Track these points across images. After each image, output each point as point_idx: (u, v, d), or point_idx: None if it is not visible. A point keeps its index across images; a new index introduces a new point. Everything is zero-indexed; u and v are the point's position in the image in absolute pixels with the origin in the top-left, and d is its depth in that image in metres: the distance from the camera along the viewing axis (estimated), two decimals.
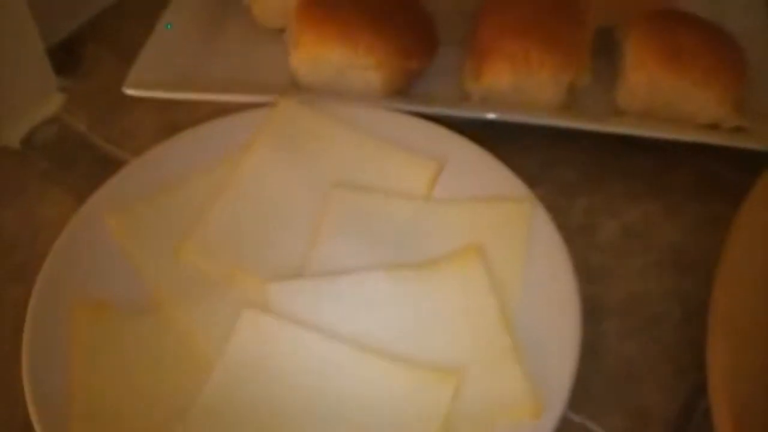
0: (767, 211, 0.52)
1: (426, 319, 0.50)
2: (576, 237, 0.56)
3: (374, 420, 0.46)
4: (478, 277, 0.51)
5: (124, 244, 0.53)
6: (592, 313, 0.52)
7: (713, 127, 0.60)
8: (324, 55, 0.61)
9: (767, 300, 0.47)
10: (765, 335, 0.46)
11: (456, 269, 0.51)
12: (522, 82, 0.59)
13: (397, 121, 0.58)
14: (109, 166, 0.59)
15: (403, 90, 0.62)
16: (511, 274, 0.51)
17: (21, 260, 0.57)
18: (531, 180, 0.56)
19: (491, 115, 0.59)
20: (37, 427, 0.44)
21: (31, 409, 0.45)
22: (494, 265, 0.51)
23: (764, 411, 0.44)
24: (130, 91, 0.62)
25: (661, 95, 0.60)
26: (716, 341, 0.47)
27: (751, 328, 0.47)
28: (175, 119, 0.64)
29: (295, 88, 0.63)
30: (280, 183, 0.56)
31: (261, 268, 0.52)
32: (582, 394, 0.49)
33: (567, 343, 0.47)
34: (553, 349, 0.47)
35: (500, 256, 0.52)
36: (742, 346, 0.46)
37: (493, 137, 0.57)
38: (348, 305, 0.50)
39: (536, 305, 0.49)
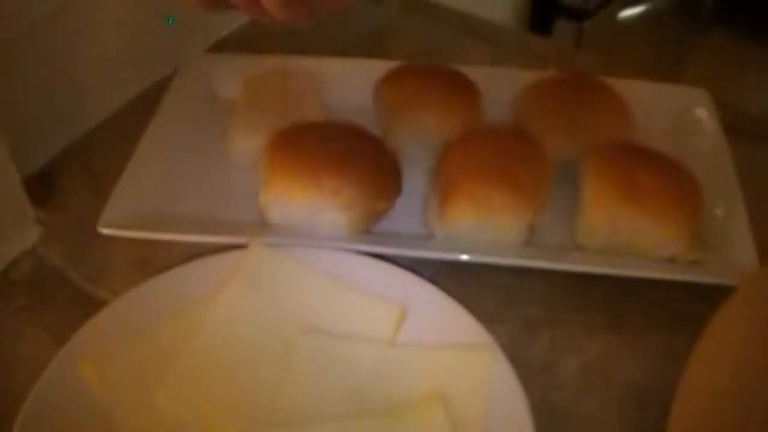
0: (722, 345, 0.54)
1: None
2: (538, 375, 0.58)
3: None
4: (440, 424, 0.52)
5: (98, 392, 0.54)
6: None
7: (671, 260, 0.62)
8: (292, 197, 0.63)
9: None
10: None
11: (419, 416, 0.53)
12: (484, 222, 0.61)
13: (362, 263, 0.60)
14: (85, 303, 0.61)
15: (368, 228, 0.64)
16: (472, 421, 0.53)
17: None
18: (493, 317, 0.57)
19: (454, 257, 0.61)
20: None
21: None
22: (456, 412, 0.53)
23: None
24: (104, 231, 0.64)
25: (619, 232, 0.62)
26: None
27: None
28: (149, 256, 0.65)
29: (265, 225, 0.64)
30: (249, 328, 0.57)
31: (230, 414, 0.54)
32: None
33: None
34: None
35: (461, 402, 0.53)
36: None
37: (456, 273, 0.59)
38: None
39: None
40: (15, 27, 0.66)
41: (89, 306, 0.59)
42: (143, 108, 0.75)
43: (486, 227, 0.61)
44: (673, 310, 0.62)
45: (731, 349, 0.54)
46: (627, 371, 0.59)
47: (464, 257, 0.61)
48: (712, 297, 0.54)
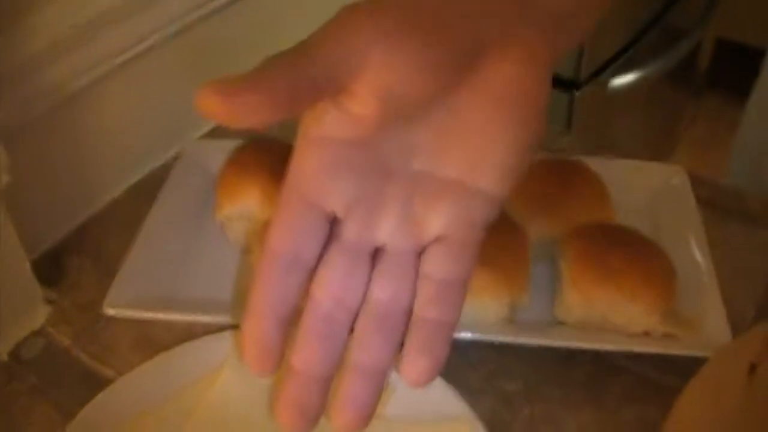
0: (690, 418, 0.57)
1: None
2: None
3: None
4: None
5: None
6: None
7: (646, 334, 0.65)
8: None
9: None
10: None
11: None
12: (465, 302, 0.64)
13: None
14: (92, 382, 0.64)
15: None
16: None
17: None
18: (475, 392, 0.61)
19: None
20: None
21: None
22: None
23: None
24: (109, 311, 0.68)
25: (596, 310, 0.65)
26: None
27: None
28: (151, 335, 0.69)
29: None
30: (244, 407, 0.61)
31: None
32: None
33: None
34: None
35: None
36: None
37: None
38: None
39: None
40: (23, 116, 0.71)
41: (96, 384, 0.63)
42: (146, 191, 0.80)
43: (467, 308, 0.64)
44: (649, 383, 0.64)
45: (697, 422, 0.57)
46: None
47: None
48: (686, 370, 0.57)
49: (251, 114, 0.38)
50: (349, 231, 0.45)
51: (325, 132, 0.43)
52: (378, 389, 0.44)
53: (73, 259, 0.77)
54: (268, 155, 0.73)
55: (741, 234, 0.77)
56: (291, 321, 0.45)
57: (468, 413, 0.59)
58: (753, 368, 0.59)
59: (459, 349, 0.64)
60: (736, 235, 0.77)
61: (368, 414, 0.44)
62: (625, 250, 0.66)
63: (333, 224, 0.45)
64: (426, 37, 0.42)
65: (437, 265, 0.45)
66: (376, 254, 0.46)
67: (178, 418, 0.60)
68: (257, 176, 0.72)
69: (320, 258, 0.45)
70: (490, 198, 0.45)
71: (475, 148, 0.44)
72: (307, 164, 0.44)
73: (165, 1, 0.82)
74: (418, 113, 0.43)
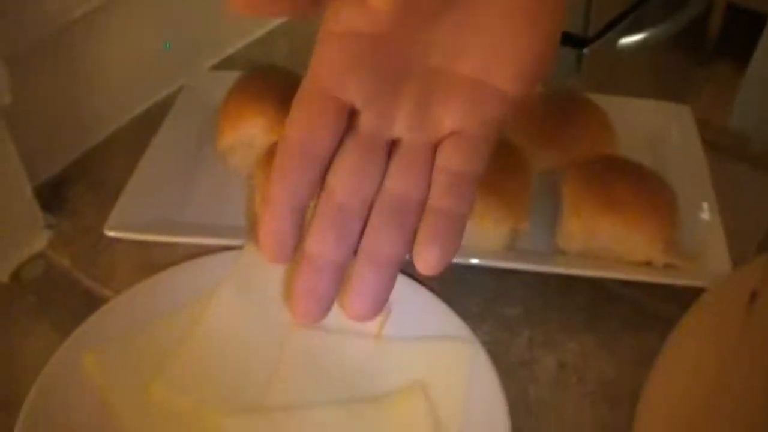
0: (688, 345, 0.57)
1: None
2: (518, 371, 0.61)
3: None
4: (420, 413, 0.55)
5: (99, 382, 0.58)
6: None
7: (647, 264, 0.65)
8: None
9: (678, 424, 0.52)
10: None
11: (400, 406, 0.56)
12: (467, 228, 0.64)
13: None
14: (91, 302, 0.64)
15: None
16: (451, 411, 0.56)
17: (8, 393, 0.61)
18: (475, 317, 0.61)
19: None
20: None
21: None
22: (436, 402, 0.56)
23: None
24: (109, 233, 0.67)
25: (596, 238, 0.65)
26: None
27: None
28: (152, 258, 0.69)
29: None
30: (244, 324, 0.61)
31: (223, 403, 0.57)
32: None
33: None
34: None
35: (442, 393, 0.56)
36: None
37: (439, 279, 0.62)
38: None
39: None
40: (26, 40, 0.70)
41: (95, 305, 0.62)
42: (149, 123, 0.80)
43: (469, 233, 0.64)
44: (647, 313, 0.64)
45: (695, 349, 0.57)
46: (600, 369, 0.62)
47: None
48: (686, 300, 0.57)
49: (276, 4, 0.39)
50: (366, 123, 0.46)
51: (346, 27, 0.45)
52: (390, 279, 0.45)
53: (75, 187, 0.77)
54: (273, 84, 0.73)
55: (745, 175, 0.77)
56: (306, 210, 0.45)
57: (467, 333, 0.59)
58: (753, 296, 0.59)
59: (459, 274, 0.65)
60: (740, 177, 0.77)
61: (380, 303, 0.45)
62: (628, 180, 0.66)
63: (350, 118, 0.46)
64: None
65: (451, 159, 0.46)
66: (392, 148, 0.46)
67: (177, 335, 0.60)
68: (261, 104, 0.72)
69: (336, 151, 0.46)
70: (504, 96, 0.46)
71: (491, 46, 0.45)
72: (327, 57, 0.46)
73: None
74: (435, 11, 0.44)
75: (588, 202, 0.65)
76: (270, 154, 0.68)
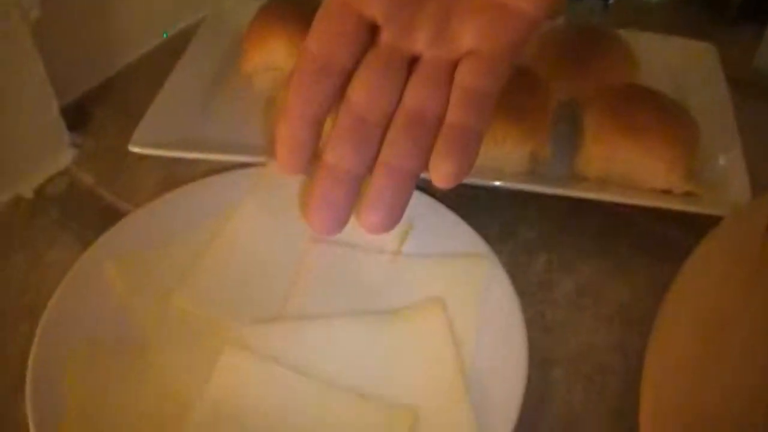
0: (704, 271, 0.58)
1: (388, 363, 0.55)
2: (535, 292, 0.62)
3: None
4: (437, 326, 0.56)
5: (119, 289, 0.59)
6: (544, 362, 0.58)
7: (666, 192, 0.65)
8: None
9: (690, 353, 0.53)
10: (686, 383, 0.51)
11: (418, 319, 0.57)
12: (488, 151, 0.64)
13: None
14: (113, 216, 0.64)
15: None
16: (467, 325, 0.56)
17: (29, 301, 0.62)
18: (494, 239, 0.61)
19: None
20: None
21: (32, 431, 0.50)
22: (453, 316, 0.57)
23: None
24: (134, 149, 0.68)
25: (616, 164, 0.65)
26: (646, 387, 0.53)
27: (675, 377, 0.52)
28: (175, 175, 0.70)
29: None
30: (265, 238, 0.61)
31: (243, 313, 0.57)
32: None
33: (513, 390, 0.52)
34: (500, 395, 0.52)
35: (459, 307, 0.57)
36: (666, 391, 0.52)
37: (460, 199, 0.62)
38: (319, 346, 0.55)
39: (488, 354, 0.55)
40: None
41: (117, 219, 0.63)
42: (174, 49, 0.80)
43: (490, 156, 0.64)
44: (665, 241, 0.65)
45: (710, 274, 0.58)
46: (615, 293, 0.63)
47: (469, 180, 0.64)
48: (703, 230, 0.57)
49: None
50: (387, 38, 0.47)
51: None
52: (406, 193, 0.46)
53: (100, 108, 0.78)
54: (297, 8, 0.74)
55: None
56: (322, 123, 0.46)
57: (486, 250, 0.59)
58: None
59: (479, 197, 0.65)
60: (763, 114, 0.77)
61: (395, 216, 0.45)
62: (650, 107, 0.66)
63: (372, 33, 0.47)
64: None
65: (469, 76, 0.47)
66: (411, 65, 0.47)
67: (199, 246, 0.61)
68: (285, 27, 0.72)
69: (357, 66, 0.46)
70: (523, 18, 0.46)
71: None
72: None
73: None
74: None
75: (609, 126, 0.65)
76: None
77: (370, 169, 0.47)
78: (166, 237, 0.62)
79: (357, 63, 0.47)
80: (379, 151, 0.47)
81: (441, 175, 0.45)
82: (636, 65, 0.73)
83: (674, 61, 0.78)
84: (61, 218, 0.69)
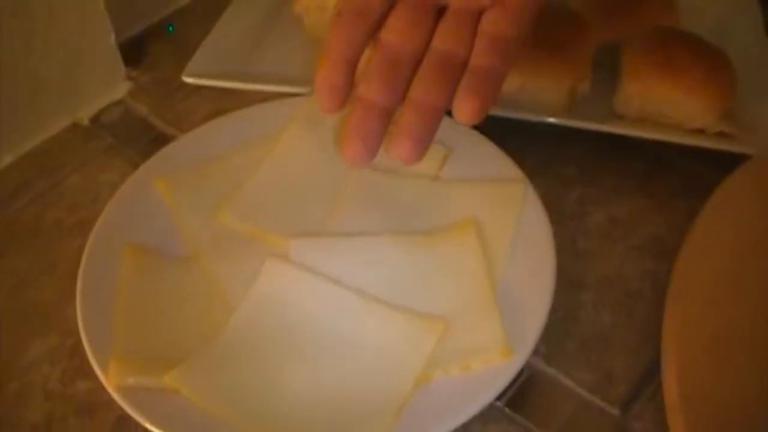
0: (730, 202, 0.59)
1: (422, 276, 0.57)
2: (568, 222, 0.64)
3: (370, 355, 0.53)
4: (471, 244, 0.58)
5: (168, 204, 0.61)
6: (574, 285, 0.60)
7: (700, 132, 0.67)
8: None
9: (713, 282, 0.54)
10: (709, 309, 0.53)
11: (453, 237, 0.59)
12: (528, 84, 0.66)
13: None
14: (165, 144, 0.67)
15: None
16: (500, 245, 0.58)
17: (81, 217, 0.65)
18: (531, 172, 0.63)
19: (500, 112, 0.66)
20: (87, 348, 0.52)
21: (83, 335, 0.53)
22: (487, 237, 0.59)
23: (704, 367, 0.51)
24: (187, 79, 0.71)
25: (653, 103, 0.66)
26: (670, 311, 0.54)
27: (698, 303, 0.54)
28: (224, 106, 0.72)
29: None
30: (308, 162, 0.64)
31: (285, 229, 0.60)
32: (558, 352, 0.56)
33: (541, 303, 0.54)
34: (529, 306, 0.54)
35: (493, 229, 0.59)
36: (689, 316, 0.53)
37: (498, 133, 0.64)
38: (356, 260, 0.58)
39: (518, 271, 0.57)
40: None
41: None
42: None
43: (529, 89, 0.66)
44: (699, 180, 0.66)
45: (737, 205, 0.59)
46: (648, 227, 0.64)
47: (509, 114, 0.66)
48: (734, 168, 0.59)
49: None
50: None
51: None
52: (433, 125, 0.48)
53: (156, 45, 0.81)
54: None
55: None
56: (356, 64, 0.48)
57: (522, 177, 0.61)
58: None
59: (517, 131, 0.67)
60: None
61: (423, 147, 0.48)
62: (688, 48, 0.67)
63: None
64: None
65: (492, 24, 0.50)
66: (441, 13, 0.49)
67: (245, 167, 0.64)
68: None
69: (389, 12, 0.50)
70: None
71: None
72: None
73: None
74: None
75: (647, 65, 0.66)
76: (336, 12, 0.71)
77: (399, 103, 0.49)
78: (214, 157, 0.65)
79: (390, 9, 0.50)
80: (407, 88, 0.49)
81: (464, 111, 0.48)
82: (676, 9, 0.74)
83: (715, 7, 0.79)
84: (115, 144, 0.72)
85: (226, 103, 0.73)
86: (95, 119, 0.74)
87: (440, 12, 0.51)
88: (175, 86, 0.73)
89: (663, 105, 0.66)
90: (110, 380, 0.50)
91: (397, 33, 0.50)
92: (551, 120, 0.66)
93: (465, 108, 0.48)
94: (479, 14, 0.51)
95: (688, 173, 0.67)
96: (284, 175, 0.64)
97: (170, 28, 0.83)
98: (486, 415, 0.52)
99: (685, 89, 0.66)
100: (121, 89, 0.76)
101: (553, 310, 0.54)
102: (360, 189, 0.62)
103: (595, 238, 0.63)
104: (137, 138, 0.72)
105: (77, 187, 0.68)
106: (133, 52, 0.79)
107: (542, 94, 0.67)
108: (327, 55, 0.49)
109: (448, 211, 0.61)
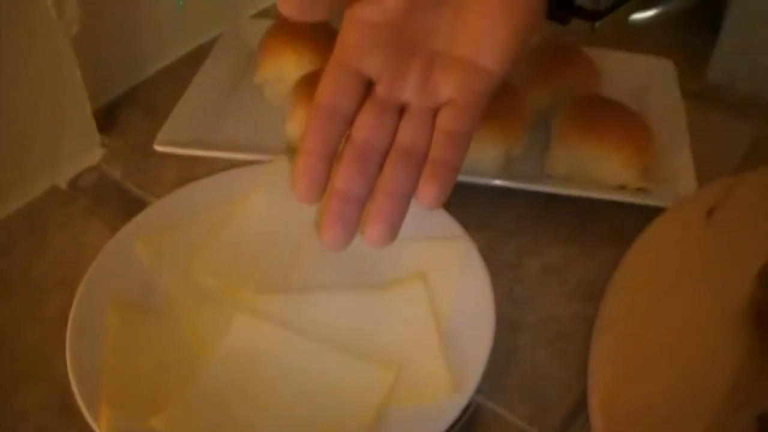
0: (651, 248, 0.67)
1: (377, 326, 0.64)
2: (506, 271, 0.71)
3: (333, 398, 0.60)
4: (420, 296, 0.65)
5: (147, 262, 0.68)
6: (512, 329, 0.67)
7: (623, 187, 0.75)
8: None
9: (633, 319, 0.62)
10: (629, 343, 0.61)
11: (404, 290, 0.66)
12: (469, 151, 0.73)
13: None
14: (138, 207, 0.74)
15: None
16: (445, 297, 0.66)
17: (65, 274, 0.71)
18: (471, 228, 0.70)
19: None
20: (78, 397, 0.58)
21: (73, 384, 0.59)
22: (433, 289, 0.66)
23: (624, 396, 0.58)
24: (158, 148, 0.78)
25: (581, 162, 0.75)
26: (595, 346, 0.62)
27: (620, 338, 0.62)
28: (193, 172, 0.79)
29: (289, 150, 0.78)
30: (270, 222, 0.71)
31: (253, 284, 0.67)
32: (499, 389, 0.63)
33: (482, 348, 0.61)
34: (471, 351, 0.61)
35: (439, 281, 0.66)
36: (611, 349, 0.61)
37: None
38: (317, 313, 0.65)
39: (461, 319, 0.64)
40: None
41: (141, 208, 0.73)
42: (194, 62, 0.91)
43: (469, 155, 0.73)
44: (623, 229, 0.72)
45: (657, 252, 0.67)
46: (579, 273, 0.72)
47: None
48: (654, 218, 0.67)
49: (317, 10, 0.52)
50: (381, 90, 0.57)
51: (365, 16, 0.56)
52: (403, 210, 0.56)
53: (127, 112, 0.88)
54: (304, 27, 0.83)
55: (718, 122, 0.87)
56: (333, 160, 0.55)
57: (462, 234, 0.68)
58: (711, 211, 0.69)
59: (458, 191, 0.73)
60: (715, 122, 0.86)
61: (396, 228, 0.55)
62: (610, 113, 0.76)
63: (368, 87, 0.57)
64: None
65: (447, 121, 0.57)
66: (402, 111, 0.57)
67: (214, 227, 0.70)
68: (294, 44, 0.82)
69: (358, 112, 0.57)
70: (491, 73, 0.57)
71: (480, 32, 0.56)
72: (349, 38, 0.57)
73: None
74: (437, 3, 0.56)
75: (574, 129, 0.75)
76: (300, 85, 0.79)
77: (371, 192, 0.56)
78: (186, 221, 0.71)
79: (358, 110, 0.57)
80: (377, 178, 0.56)
81: (426, 197, 0.55)
82: (598, 77, 0.83)
83: (634, 74, 0.88)
84: (92, 207, 0.78)
85: (194, 168, 0.79)
86: (73, 183, 0.80)
87: (402, 109, 0.58)
88: (146, 152, 0.80)
89: (589, 164, 0.74)
90: (102, 425, 0.56)
91: (365, 129, 0.56)
92: (489, 182, 0.74)
93: (427, 195, 0.55)
94: (435, 111, 0.57)
95: (614, 223, 0.75)
96: (250, 234, 0.70)
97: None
98: None
99: (608, 150, 0.74)
100: (96, 155, 0.82)
101: (494, 351, 0.61)
102: (319, 247, 0.69)
103: (531, 285, 0.71)
104: (112, 201, 0.78)
105: (59, 247, 0.74)
106: (105, 119, 0.85)
107: (481, 158, 0.74)
108: (305, 152, 0.55)
109: (399, 266, 0.68)
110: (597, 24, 1.23)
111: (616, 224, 0.75)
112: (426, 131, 0.57)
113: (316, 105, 0.56)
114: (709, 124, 0.85)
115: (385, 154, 0.56)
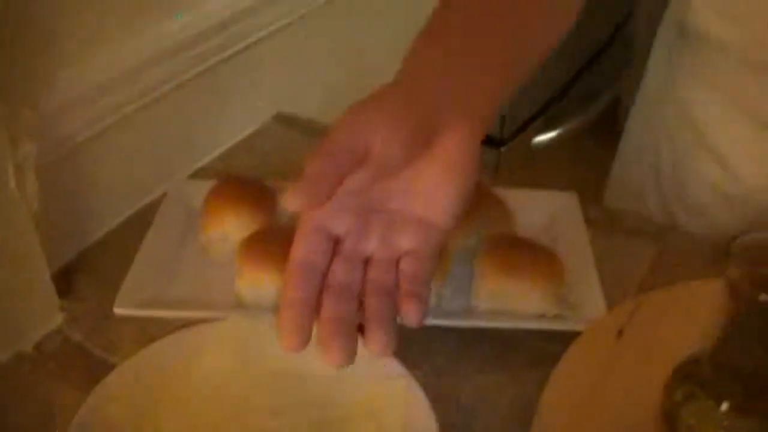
0: (569, 372, 0.76)
1: None
2: (444, 400, 0.79)
3: None
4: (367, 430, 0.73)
5: (119, 422, 0.74)
6: None
7: (542, 316, 0.84)
8: (260, 282, 0.85)
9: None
10: None
11: (352, 426, 0.74)
12: None
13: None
14: (102, 367, 0.79)
15: None
16: (392, 427, 0.73)
17: None
18: (411, 363, 0.78)
19: None
20: None
21: None
22: (380, 422, 0.74)
23: None
24: (118, 311, 0.85)
25: (501, 296, 0.84)
26: None
27: None
28: (149, 330, 0.85)
29: (239, 305, 0.86)
30: (227, 378, 0.78)
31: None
32: None
33: None
34: None
35: (385, 415, 0.74)
36: None
37: None
38: None
39: None
40: (47, 159, 0.88)
41: (106, 369, 0.78)
42: (138, 223, 0.99)
43: None
44: (544, 352, 0.80)
45: (574, 375, 0.76)
46: (509, 397, 0.80)
47: None
48: (572, 341, 0.76)
49: (322, 196, 0.59)
50: (348, 246, 0.65)
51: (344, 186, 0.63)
52: (392, 329, 0.61)
53: (79, 276, 0.95)
54: (243, 190, 0.92)
55: (620, 245, 0.97)
56: (314, 309, 0.62)
57: (405, 373, 0.76)
58: (620, 332, 0.78)
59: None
60: (616, 246, 0.97)
61: (392, 339, 0.61)
62: (524, 251, 0.86)
63: (336, 243, 0.65)
64: (406, 123, 0.63)
65: (408, 266, 0.65)
66: (366, 262, 0.65)
67: (173, 388, 0.77)
68: (235, 206, 0.91)
69: (329, 265, 0.64)
70: (443, 229, 0.66)
71: (433, 195, 0.66)
72: None
73: (159, 66, 1.03)
74: (396, 172, 0.65)
75: (492, 267, 0.84)
76: (245, 247, 0.87)
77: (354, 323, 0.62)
78: (149, 380, 0.78)
79: (330, 263, 0.64)
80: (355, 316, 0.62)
81: (407, 317, 0.62)
82: (510, 217, 0.93)
83: (542, 209, 0.99)
84: (59, 370, 0.84)
85: (150, 325, 0.86)
86: (38, 348, 0.86)
87: (367, 261, 0.65)
88: (102, 314, 0.86)
89: (508, 297, 0.84)
90: None
91: (338, 280, 0.63)
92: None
93: (409, 314, 0.61)
94: (397, 260, 0.65)
95: (532, 348, 0.84)
96: (205, 389, 0.77)
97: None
98: None
99: (525, 285, 0.83)
100: (57, 319, 0.88)
101: None
102: (275, 393, 0.77)
103: (468, 410, 0.79)
104: (77, 363, 0.84)
105: (30, 410, 0.80)
106: (61, 284, 0.92)
107: None
108: (287, 304, 0.60)
109: (347, 404, 0.76)
110: (502, 149, 1.34)
111: (538, 349, 0.83)
112: (392, 275, 0.64)
113: (293, 261, 0.62)
114: (612, 248, 0.95)
115: (356, 297, 0.63)
